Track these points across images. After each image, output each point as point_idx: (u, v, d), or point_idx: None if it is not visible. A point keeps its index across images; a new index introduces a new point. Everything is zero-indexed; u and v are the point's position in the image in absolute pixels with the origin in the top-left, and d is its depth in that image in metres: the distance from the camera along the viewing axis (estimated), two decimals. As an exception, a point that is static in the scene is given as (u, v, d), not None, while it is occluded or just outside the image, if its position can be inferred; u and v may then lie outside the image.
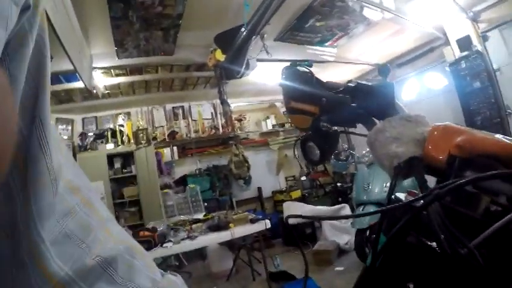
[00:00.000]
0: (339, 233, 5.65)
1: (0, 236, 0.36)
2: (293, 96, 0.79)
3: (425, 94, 6.44)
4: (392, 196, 0.57)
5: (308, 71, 0.84)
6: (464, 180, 0.43)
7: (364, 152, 4.87)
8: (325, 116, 0.70)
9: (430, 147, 0.55)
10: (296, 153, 7.46)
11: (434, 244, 0.44)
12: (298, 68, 0.83)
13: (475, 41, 5.26)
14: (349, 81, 0.73)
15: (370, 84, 0.68)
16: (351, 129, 0.76)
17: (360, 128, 0.73)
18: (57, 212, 0.38)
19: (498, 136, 0.51)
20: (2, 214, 0.36)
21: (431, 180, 0.56)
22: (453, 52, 5.53)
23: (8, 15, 0.30)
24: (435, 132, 0.56)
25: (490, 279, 0.39)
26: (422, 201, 0.45)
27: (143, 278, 0.45)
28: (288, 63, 0.88)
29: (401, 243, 0.47)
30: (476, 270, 0.39)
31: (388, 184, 0.60)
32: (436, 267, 0.45)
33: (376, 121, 0.64)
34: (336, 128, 0.74)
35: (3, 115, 0.25)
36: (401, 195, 0.61)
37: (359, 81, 0.70)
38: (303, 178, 8.22)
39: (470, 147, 0.50)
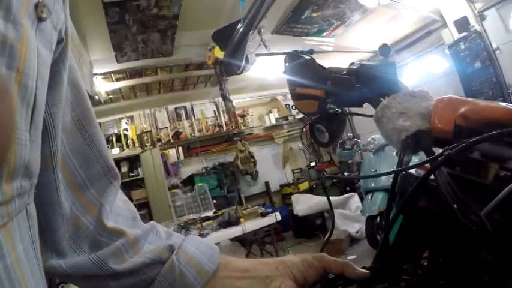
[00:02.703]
0: (349, 222, 5.65)
1: None
2: (298, 82, 0.80)
3: (426, 78, 6.40)
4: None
5: (310, 57, 0.86)
6: (475, 138, 0.42)
7: (369, 139, 4.86)
8: (331, 98, 0.72)
9: (436, 119, 0.55)
10: (303, 143, 7.46)
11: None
12: (300, 54, 0.84)
13: (473, 21, 5.21)
14: (352, 64, 0.74)
15: (372, 64, 0.69)
16: (356, 110, 0.78)
17: (364, 110, 0.74)
18: None
19: (501, 103, 0.52)
20: None
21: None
22: (451, 34, 5.48)
23: (52, 39, 0.36)
24: (440, 105, 0.56)
25: (501, 245, 0.39)
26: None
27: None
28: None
29: (413, 208, 0.48)
30: (487, 237, 0.39)
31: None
32: (448, 233, 0.46)
33: (382, 99, 0.65)
34: (342, 109, 0.76)
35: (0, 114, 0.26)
36: (412, 171, 0.62)
37: (362, 62, 0.71)
38: (312, 164, 8.17)
39: (474, 115, 0.51)
